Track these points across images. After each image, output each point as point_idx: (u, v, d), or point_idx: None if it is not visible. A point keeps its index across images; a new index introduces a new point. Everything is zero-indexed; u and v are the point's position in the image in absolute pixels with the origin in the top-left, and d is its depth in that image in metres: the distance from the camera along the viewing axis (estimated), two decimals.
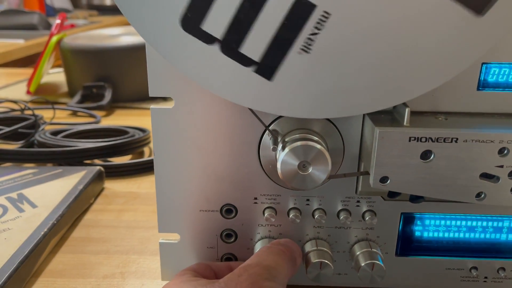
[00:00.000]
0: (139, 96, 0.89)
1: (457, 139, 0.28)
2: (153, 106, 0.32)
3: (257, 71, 0.27)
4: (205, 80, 0.27)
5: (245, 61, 0.26)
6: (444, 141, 0.28)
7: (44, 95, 0.94)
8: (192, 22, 0.26)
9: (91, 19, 2.49)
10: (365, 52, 0.26)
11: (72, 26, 2.06)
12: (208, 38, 0.26)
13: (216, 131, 0.33)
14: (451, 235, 0.35)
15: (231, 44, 0.26)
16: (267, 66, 0.26)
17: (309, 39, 0.26)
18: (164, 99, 0.33)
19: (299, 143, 0.29)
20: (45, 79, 1.07)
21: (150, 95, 0.32)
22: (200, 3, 0.25)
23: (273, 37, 0.26)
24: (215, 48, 0.26)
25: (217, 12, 0.25)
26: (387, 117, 0.31)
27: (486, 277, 0.35)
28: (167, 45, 0.26)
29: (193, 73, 0.27)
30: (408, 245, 0.35)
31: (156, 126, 0.33)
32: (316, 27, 0.25)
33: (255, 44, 0.26)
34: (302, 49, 0.26)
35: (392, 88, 0.27)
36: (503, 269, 0.35)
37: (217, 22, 0.25)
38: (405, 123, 0.29)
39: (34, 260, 0.39)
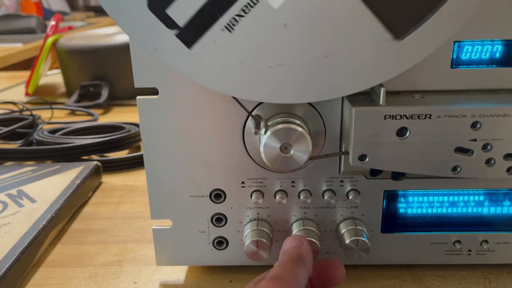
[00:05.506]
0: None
1: (430, 115, 0.29)
2: (139, 97, 0.33)
3: (179, 36, 0.27)
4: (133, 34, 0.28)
5: (169, 23, 0.27)
6: (418, 117, 0.29)
7: (43, 96, 0.95)
8: None
9: (89, 21, 2.50)
10: (284, 44, 0.27)
11: (70, 28, 2.08)
12: None
13: (201, 119, 0.34)
14: (434, 210, 0.36)
15: (158, 2, 0.27)
16: (189, 34, 0.27)
17: (234, 19, 0.27)
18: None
19: (280, 126, 0.30)
20: (43, 80, 1.09)
21: (136, 85, 0.33)
22: None
23: (201, 7, 0.26)
24: (143, 3, 0.27)
25: None
26: (365, 98, 0.32)
27: (470, 250, 0.37)
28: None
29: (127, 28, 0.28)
30: (393, 222, 0.36)
31: (143, 116, 0.34)
32: (243, 9, 0.26)
33: (182, 9, 0.27)
34: (226, 27, 0.27)
35: (312, 85, 0.29)
36: (486, 241, 0.36)
37: None
38: (381, 103, 0.30)
39: (34, 251, 0.40)
